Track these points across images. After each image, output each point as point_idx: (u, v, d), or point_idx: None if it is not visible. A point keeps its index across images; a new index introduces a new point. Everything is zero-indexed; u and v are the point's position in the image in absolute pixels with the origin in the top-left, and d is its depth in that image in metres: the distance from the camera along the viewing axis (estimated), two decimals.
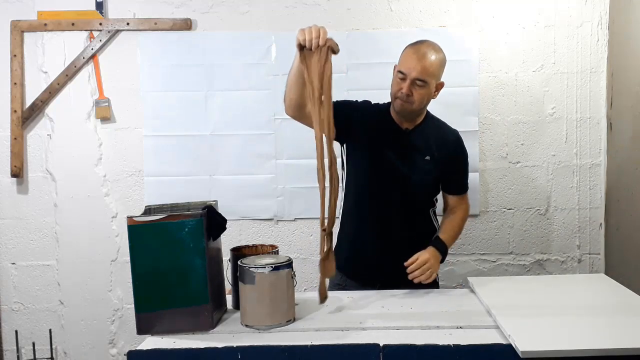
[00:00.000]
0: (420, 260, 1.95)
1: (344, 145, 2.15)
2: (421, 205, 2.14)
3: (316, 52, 1.74)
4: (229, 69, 2.77)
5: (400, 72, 1.98)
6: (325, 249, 1.77)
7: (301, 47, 1.76)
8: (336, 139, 1.92)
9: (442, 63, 2.00)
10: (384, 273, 2.08)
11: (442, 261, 2.05)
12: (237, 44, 2.76)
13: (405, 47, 2.02)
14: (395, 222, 2.08)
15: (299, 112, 1.94)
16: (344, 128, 1.98)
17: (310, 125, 1.96)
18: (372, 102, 2.17)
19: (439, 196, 2.20)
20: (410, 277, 1.94)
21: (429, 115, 2.13)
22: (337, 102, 1.96)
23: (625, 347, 1.42)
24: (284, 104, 1.98)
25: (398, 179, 2.05)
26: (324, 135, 1.73)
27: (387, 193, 2.07)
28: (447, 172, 2.11)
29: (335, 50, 1.77)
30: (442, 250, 2.04)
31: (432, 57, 1.96)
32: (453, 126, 2.17)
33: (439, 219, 2.21)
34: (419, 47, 1.98)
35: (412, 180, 2.05)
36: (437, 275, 2.19)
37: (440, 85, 2.04)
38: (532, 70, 2.75)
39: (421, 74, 1.94)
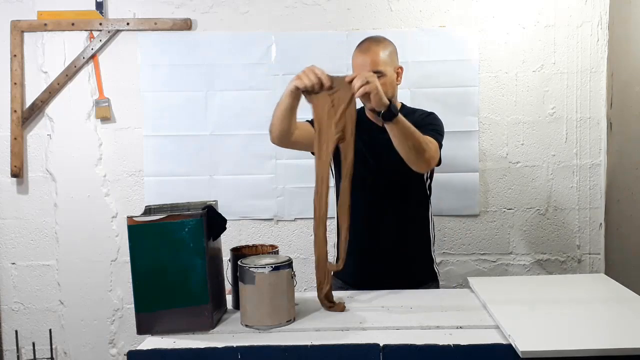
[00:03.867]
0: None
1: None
2: (411, 197, 2.12)
3: (324, 93, 1.76)
4: (229, 69, 2.77)
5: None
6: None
7: (305, 90, 1.79)
8: None
9: (392, 51, 2.03)
10: (382, 274, 2.07)
11: (387, 115, 1.78)
12: (237, 44, 2.76)
13: (353, 52, 2.05)
14: (387, 218, 2.07)
15: (287, 140, 1.98)
16: None
17: (296, 148, 2.06)
18: None
19: (438, 197, 2.19)
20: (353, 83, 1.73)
21: (404, 107, 2.14)
22: None
23: (625, 347, 1.42)
24: (270, 134, 1.99)
25: (382, 176, 2.05)
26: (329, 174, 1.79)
27: (375, 193, 2.07)
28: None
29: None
30: (392, 106, 1.79)
31: (377, 48, 1.99)
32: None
33: (436, 219, 2.21)
34: (361, 45, 2.03)
35: (395, 173, 2.04)
36: (438, 272, 2.19)
37: (400, 70, 2.06)
38: (532, 70, 2.75)
39: (373, 66, 1.96)
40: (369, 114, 2.12)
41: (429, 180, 2.16)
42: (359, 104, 2.16)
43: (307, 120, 2.03)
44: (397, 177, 2.05)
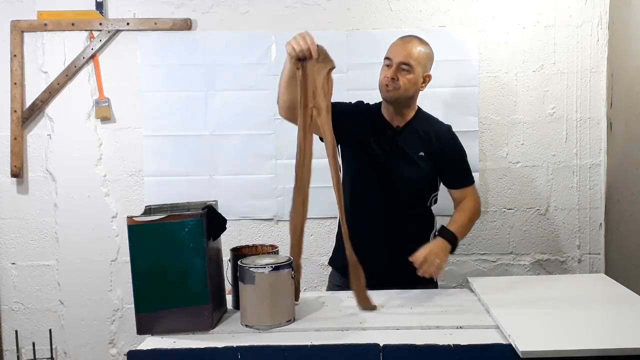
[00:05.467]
0: (424, 253, 1.89)
1: (339, 147, 2.15)
2: (418, 202, 2.13)
3: (313, 61, 1.76)
4: (229, 69, 2.77)
5: (386, 58, 2.04)
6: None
7: (298, 58, 1.77)
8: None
9: (429, 55, 2.06)
10: (383, 275, 2.07)
11: (452, 251, 1.99)
12: (237, 44, 2.76)
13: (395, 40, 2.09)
14: (392, 221, 2.07)
15: (292, 113, 1.94)
16: (337, 129, 1.98)
17: None
18: (365, 103, 2.18)
19: (440, 195, 2.20)
20: (419, 273, 1.88)
21: (420, 111, 2.15)
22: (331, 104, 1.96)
23: (625, 347, 1.42)
24: (278, 105, 1.99)
25: (392, 178, 2.05)
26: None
27: (383, 192, 2.07)
28: (444, 166, 2.10)
29: (334, 66, 1.79)
30: (450, 239, 1.98)
31: (418, 45, 2.03)
32: (453, 126, 2.18)
33: (439, 219, 2.21)
34: (406, 37, 2.07)
35: (407, 178, 2.05)
36: (436, 277, 2.19)
37: (428, 78, 2.08)
38: (532, 70, 2.75)
39: (406, 57, 2.00)
40: (385, 113, 2.11)
41: (437, 192, 2.17)
42: (369, 100, 2.17)
43: None
44: (409, 181, 2.05)
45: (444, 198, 2.21)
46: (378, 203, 2.07)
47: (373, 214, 2.08)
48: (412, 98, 2.08)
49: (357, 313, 1.75)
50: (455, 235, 1.99)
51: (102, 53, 2.78)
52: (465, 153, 2.16)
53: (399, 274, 2.07)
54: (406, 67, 2.00)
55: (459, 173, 2.14)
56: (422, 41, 2.07)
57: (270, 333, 1.62)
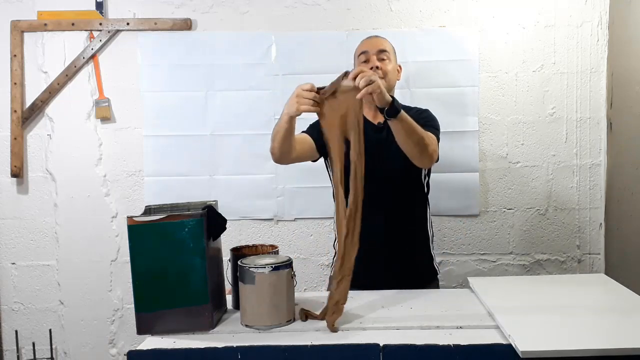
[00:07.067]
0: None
1: (328, 158, 2.15)
2: (409, 195, 2.12)
3: (328, 102, 1.71)
4: (229, 69, 2.77)
5: (362, 53, 2.10)
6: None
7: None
8: (321, 155, 2.07)
9: (392, 47, 2.16)
10: (381, 276, 2.06)
11: (391, 111, 1.77)
12: (237, 44, 2.76)
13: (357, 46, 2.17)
14: (385, 219, 2.07)
15: (289, 158, 1.98)
16: (321, 144, 1.97)
17: (299, 161, 2.07)
18: None
19: (435, 196, 2.19)
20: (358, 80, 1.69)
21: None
22: (315, 122, 1.95)
23: (625, 347, 1.42)
24: (273, 156, 1.97)
25: (380, 176, 2.04)
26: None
27: (373, 193, 2.06)
28: None
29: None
30: (395, 101, 1.79)
31: (383, 39, 2.15)
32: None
33: (436, 219, 2.21)
34: (367, 37, 2.18)
35: (393, 173, 2.04)
36: (438, 270, 2.20)
37: (400, 68, 2.18)
38: (532, 70, 2.75)
39: (380, 46, 2.09)
40: (366, 113, 2.11)
41: (427, 178, 2.16)
42: None
43: (303, 131, 2.04)
44: (395, 176, 2.05)
45: (439, 198, 2.20)
46: (369, 202, 2.07)
47: (365, 213, 2.07)
48: (392, 90, 2.11)
49: (357, 313, 1.75)
50: (400, 106, 1.80)
51: (102, 53, 2.78)
52: (433, 119, 2.08)
53: (399, 272, 2.06)
54: (384, 55, 2.07)
55: (418, 122, 1.95)
56: (382, 37, 2.17)
57: (270, 333, 1.62)
